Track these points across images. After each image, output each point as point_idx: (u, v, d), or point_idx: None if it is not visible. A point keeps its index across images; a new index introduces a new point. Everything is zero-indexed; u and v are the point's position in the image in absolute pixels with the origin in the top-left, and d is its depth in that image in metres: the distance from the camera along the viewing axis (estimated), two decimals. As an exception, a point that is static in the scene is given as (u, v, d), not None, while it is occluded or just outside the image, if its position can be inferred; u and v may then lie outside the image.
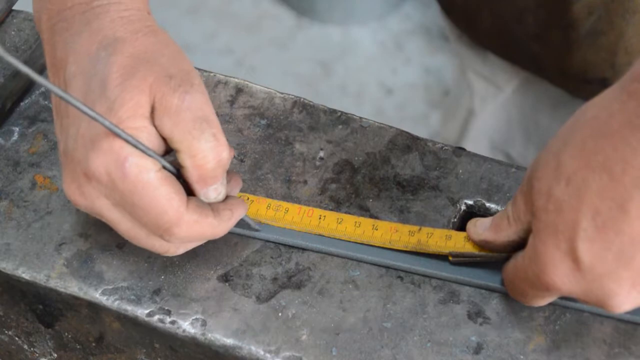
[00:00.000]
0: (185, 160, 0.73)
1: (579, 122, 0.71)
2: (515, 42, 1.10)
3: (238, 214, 0.76)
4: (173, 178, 0.73)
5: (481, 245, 0.78)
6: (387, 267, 0.80)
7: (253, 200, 0.82)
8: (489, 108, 1.23)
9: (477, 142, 1.25)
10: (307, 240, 0.81)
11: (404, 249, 0.80)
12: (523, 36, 1.08)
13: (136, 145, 0.71)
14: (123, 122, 0.71)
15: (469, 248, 0.78)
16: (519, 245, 0.75)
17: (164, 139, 0.73)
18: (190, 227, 0.73)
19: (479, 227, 0.78)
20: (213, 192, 0.74)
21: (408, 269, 0.80)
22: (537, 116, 1.19)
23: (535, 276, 0.71)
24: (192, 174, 0.73)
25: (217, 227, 0.75)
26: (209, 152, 0.72)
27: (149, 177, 0.71)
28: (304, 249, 0.81)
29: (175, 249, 0.76)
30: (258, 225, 0.81)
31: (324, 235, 0.81)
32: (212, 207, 0.75)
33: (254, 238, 0.81)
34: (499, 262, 0.77)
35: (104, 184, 0.72)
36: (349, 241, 0.81)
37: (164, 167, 0.72)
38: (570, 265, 0.69)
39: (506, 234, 0.75)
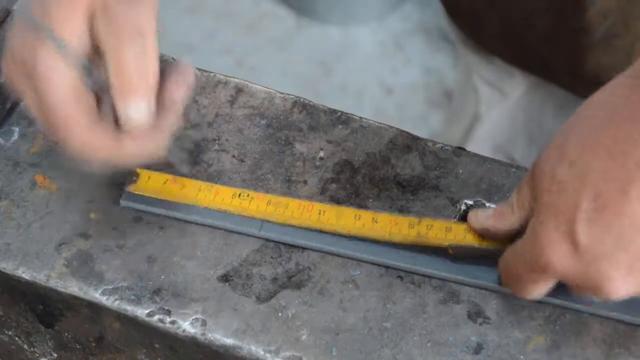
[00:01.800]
0: (109, 66, 0.70)
1: (583, 113, 0.72)
2: (524, 46, 1.09)
3: (144, 146, 0.72)
4: (82, 84, 0.71)
5: (482, 234, 0.77)
6: (387, 267, 0.80)
7: (253, 197, 0.82)
8: (494, 113, 1.22)
9: (481, 147, 1.24)
10: (307, 239, 0.81)
11: (404, 242, 0.80)
12: (532, 40, 1.07)
13: (59, 45, 0.70)
14: (55, 21, 0.70)
15: (469, 240, 0.78)
16: (520, 235, 0.75)
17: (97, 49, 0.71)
18: (82, 134, 0.71)
19: (481, 216, 0.77)
20: (134, 111, 0.71)
21: (408, 268, 0.80)
22: (541, 119, 1.18)
23: (532, 258, 0.71)
24: (113, 83, 0.70)
25: (111, 147, 0.71)
26: (133, 59, 0.70)
27: (58, 74, 0.70)
28: (304, 249, 0.81)
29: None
30: (255, 221, 0.81)
31: (323, 230, 0.81)
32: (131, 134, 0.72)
33: (254, 237, 0.81)
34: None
35: (20, 70, 0.71)
36: (349, 237, 0.81)
37: (84, 68, 0.71)
38: (568, 247, 0.69)
39: (509, 222, 0.75)
